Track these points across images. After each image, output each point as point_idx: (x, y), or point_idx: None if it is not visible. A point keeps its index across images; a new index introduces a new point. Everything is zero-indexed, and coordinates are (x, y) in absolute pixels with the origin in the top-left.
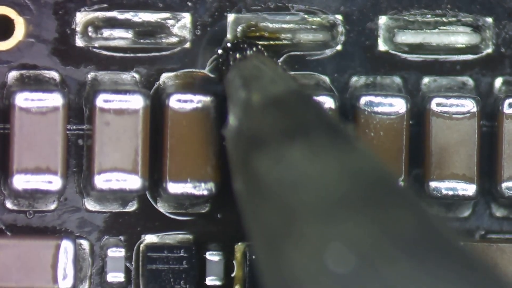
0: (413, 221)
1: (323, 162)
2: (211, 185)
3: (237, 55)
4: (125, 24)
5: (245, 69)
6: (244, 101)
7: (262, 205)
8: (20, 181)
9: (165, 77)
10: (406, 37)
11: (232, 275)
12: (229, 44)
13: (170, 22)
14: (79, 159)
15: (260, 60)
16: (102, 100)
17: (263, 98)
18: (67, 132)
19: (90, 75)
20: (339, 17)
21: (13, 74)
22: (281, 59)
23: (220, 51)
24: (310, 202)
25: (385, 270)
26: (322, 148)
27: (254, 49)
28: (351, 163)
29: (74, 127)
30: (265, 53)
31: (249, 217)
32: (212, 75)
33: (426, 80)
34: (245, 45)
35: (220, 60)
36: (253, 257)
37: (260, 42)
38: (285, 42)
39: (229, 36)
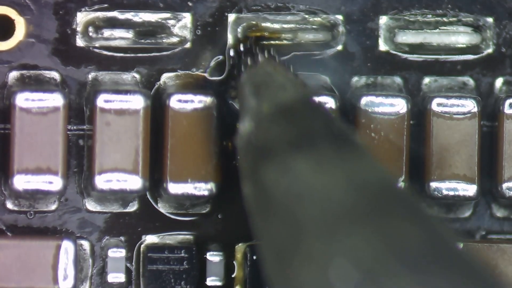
0: (419, 234)
1: (329, 173)
2: (211, 186)
3: (249, 61)
4: (125, 24)
5: (256, 76)
6: (254, 109)
7: (269, 216)
8: (21, 182)
9: (165, 77)
10: (407, 37)
11: (233, 275)
12: (241, 48)
13: (171, 22)
14: (79, 160)
15: (271, 66)
16: (102, 100)
17: (272, 106)
18: (68, 132)
19: (91, 75)
20: (340, 17)
21: (13, 74)
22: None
23: (232, 53)
24: (315, 216)
25: (388, 286)
26: (328, 159)
27: (266, 54)
28: (357, 174)
29: (74, 127)
30: (277, 58)
31: (257, 227)
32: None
33: (426, 80)
34: (257, 49)
35: (232, 63)
36: (264, 270)
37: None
38: (285, 42)
39: (240, 38)
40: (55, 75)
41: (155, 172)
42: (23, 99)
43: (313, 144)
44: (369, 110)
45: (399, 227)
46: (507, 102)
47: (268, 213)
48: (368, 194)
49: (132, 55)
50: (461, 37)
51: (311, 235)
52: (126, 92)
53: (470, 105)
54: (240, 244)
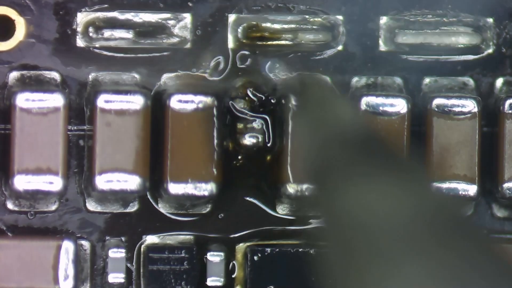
0: (481, 266)
1: (390, 201)
2: (212, 186)
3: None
4: (125, 25)
5: (309, 110)
6: (315, 141)
7: (333, 236)
8: (21, 182)
9: (166, 77)
10: (407, 38)
11: (233, 276)
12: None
13: (171, 22)
14: (80, 160)
15: (327, 95)
16: (103, 101)
17: (331, 134)
18: (68, 132)
19: (91, 76)
20: (340, 17)
21: (13, 75)
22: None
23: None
24: (376, 241)
25: None
26: (390, 186)
27: (320, 84)
28: (419, 202)
29: (75, 127)
30: (332, 87)
31: (328, 245)
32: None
33: (427, 80)
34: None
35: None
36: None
37: (261, 43)
38: (286, 42)
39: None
40: (55, 75)
41: (156, 173)
42: (24, 100)
43: (375, 172)
44: (369, 110)
45: (460, 255)
46: (507, 102)
47: (329, 233)
48: (430, 222)
49: (132, 55)
50: (461, 38)
51: (370, 258)
52: (126, 92)
53: (470, 105)
54: (240, 244)
